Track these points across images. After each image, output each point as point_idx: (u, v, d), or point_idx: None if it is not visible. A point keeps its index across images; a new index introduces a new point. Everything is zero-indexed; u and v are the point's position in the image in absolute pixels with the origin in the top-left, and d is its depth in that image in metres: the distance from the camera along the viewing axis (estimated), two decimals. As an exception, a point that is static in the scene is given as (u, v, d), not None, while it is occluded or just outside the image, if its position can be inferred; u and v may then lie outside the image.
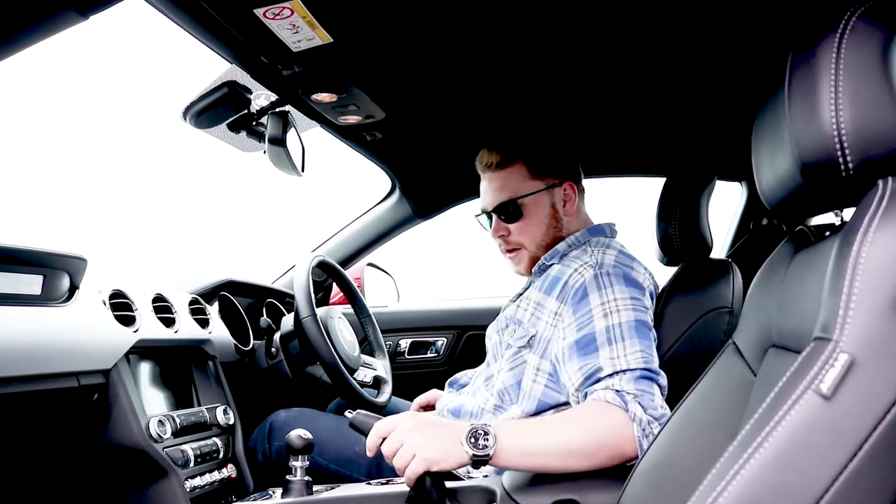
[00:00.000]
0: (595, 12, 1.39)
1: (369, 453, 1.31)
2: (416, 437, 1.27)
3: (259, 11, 1.25)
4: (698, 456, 1.11)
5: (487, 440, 1.26)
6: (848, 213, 0.85)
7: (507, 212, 1.76)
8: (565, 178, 1.78)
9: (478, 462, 1.27)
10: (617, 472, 1.33)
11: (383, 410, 2.09)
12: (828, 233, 0.97)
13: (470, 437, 1.26)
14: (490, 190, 1.79)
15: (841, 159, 0.77)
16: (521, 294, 1.80)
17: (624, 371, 1.40)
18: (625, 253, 1.67)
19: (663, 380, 1.43)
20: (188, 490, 1.69)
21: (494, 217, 1.79)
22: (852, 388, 0.68)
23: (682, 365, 1.57)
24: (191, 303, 2.05)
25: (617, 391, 1.36)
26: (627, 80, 1.75)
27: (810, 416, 0.69)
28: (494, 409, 1.67)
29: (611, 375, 1.40)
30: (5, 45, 0.88)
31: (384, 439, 1.30)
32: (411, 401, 2.15)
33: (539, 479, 1.37)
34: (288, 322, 2.16)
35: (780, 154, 0.88)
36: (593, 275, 1.57)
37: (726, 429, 1.09)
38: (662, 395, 1.41)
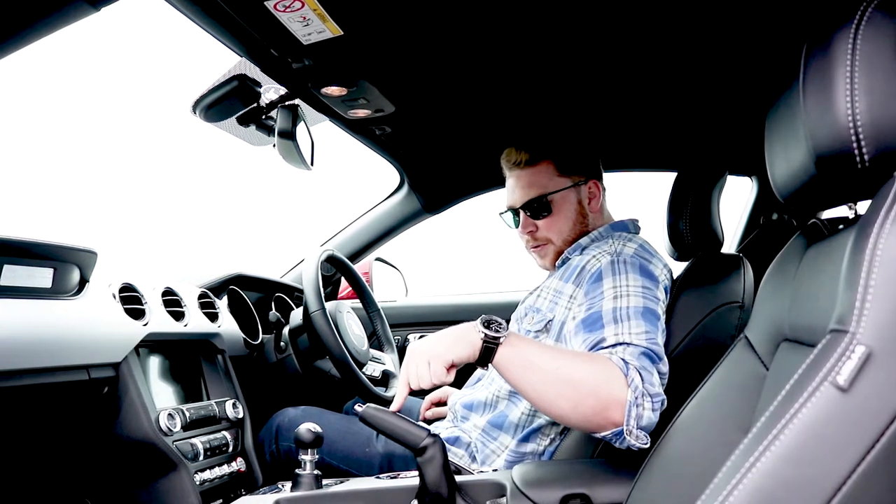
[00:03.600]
0: (606, 8, 1.38)
1: (394, 406, 1.35)
2: (425, 350, 1.33)
3: (269, 4, 1.25)
4: (709, 450, 1.11)
5: (500, 328, 1.33)
6: (862, 207, 0.85)
7: (536, 208, 1.80)
8: (590, 177, 1.83)
9: (488, 349, 1.31)
10: (628, 467, 1.33)
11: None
12: (841, 226, 0.97)
13: (484, 322, 1.33)
14: (518, 187, 1.82)
15: (856, 150, 0.77)
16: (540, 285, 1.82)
17: (627, 344, 1.40)
18: (645, 247, 1.70)
19: (664, 367, 1.43)
20: (198, 483, 1.70)
21: (522, 213, 1.82)
22: (869, 380, 0.68)
23: (692, 359, 1.56)
24: (200, 296, 2.06)
25: (620, 358, 1.37)
26: (639, 75, 1.74)
27: (827, 409, 0.69)
28: (509, 395, 1.68)
29: (614, 346, 1.41)
30: (19, 36, 0.88)
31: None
32: (419, 396, 2.15)
33: (550, 474, 1.38)
34: (297, 316, 2.16)
35: (794, 146, 0.88)
36: (610, 261, 1.60)
37: (738, 423, 1.09)
38: (661, 382, 1.41)
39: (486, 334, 1.31)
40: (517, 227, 1.85)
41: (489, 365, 1.33)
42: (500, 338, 1.31)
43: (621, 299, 1.50)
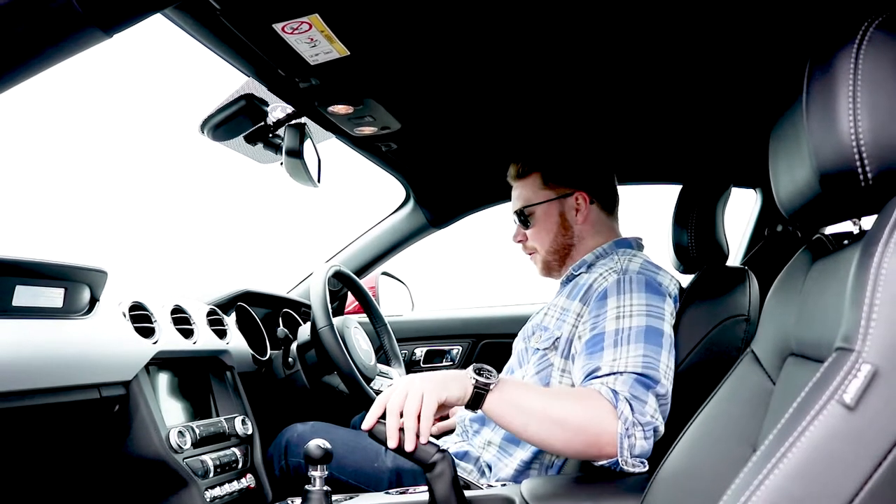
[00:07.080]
0: (611, 22, 1.39)
1: (365, 425, 1.32)
2: (418, 384, 1.32)
3: (278, 26, 1.27)
4: (717, 465, 1.11)
5: (491, 376, 1.36)
6: (865, 222, 0.86)
7: (522, 219, 1.88)
8: (578, 189, 1.84)
9: (478, 395, 1.34)
10: (635, 482, 1.34)
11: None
12: (846, 241, 0.97)
13: (476, 369, 1.36)
14: (513, 198, 1.91)
15: (860, 169, 0.78)
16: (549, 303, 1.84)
17: (620, 373, 1.43)
18: (650, 262, 1.72)
19: (662, 388, 1.45)
20: (208, 500, 1.70)
21: (516, 223, 1.91)
22: (876, 399, 0.68)
23: (699, 373, 1.57)
24: (209, 314, 2.07)
25: (611, 389, 1.40)
26: (643, 88, 1.75)
27: (834, 427, 0.69)
28: None
29: (607, 375, 1.44)
30: (32, 63, 0.89)
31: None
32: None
33: (558, 488, 1.38)
34: (305, 332, 2.17)
35: (798, 164, 0.89)
36: (616, 279, 1.62)
37: (745, 437, 1.09)
38: (660, 403, 1.44)
39: (476, 380, 1.34)
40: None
41: (479, 410, 1.36)
42: (490, 384, 1.35)
43: (623, 320, 1.52)
